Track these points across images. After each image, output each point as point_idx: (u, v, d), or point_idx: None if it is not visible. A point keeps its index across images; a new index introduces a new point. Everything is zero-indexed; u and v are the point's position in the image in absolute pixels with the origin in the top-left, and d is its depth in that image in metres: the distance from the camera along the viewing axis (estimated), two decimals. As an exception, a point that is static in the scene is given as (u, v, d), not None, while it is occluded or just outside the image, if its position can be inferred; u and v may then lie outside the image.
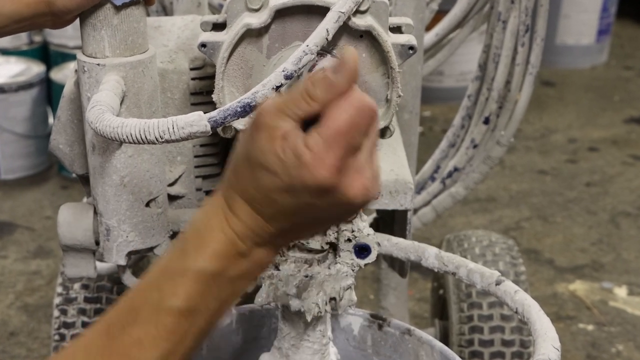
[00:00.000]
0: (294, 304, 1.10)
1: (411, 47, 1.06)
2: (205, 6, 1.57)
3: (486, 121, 1.81)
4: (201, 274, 0.78)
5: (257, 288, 1.24)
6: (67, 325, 1.75)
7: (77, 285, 1.78)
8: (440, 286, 2.04)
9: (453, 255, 1.19)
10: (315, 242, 1.10)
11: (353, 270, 1.12)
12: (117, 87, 1.04)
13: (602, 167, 3.62)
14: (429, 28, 1.87)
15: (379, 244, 1.20)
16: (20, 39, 3.56)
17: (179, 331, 0.78)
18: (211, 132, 0.93)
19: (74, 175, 1.23)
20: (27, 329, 2.55)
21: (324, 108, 0.77)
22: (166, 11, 1.75)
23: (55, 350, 1.76)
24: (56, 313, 1.77)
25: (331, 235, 1.11)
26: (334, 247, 1.13)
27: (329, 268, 1.12)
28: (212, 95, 1.07)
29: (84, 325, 1.75)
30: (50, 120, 3.45)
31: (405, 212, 1.31)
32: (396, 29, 1.09)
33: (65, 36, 3.47)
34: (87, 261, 1.23)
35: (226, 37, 1.05)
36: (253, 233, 0.79)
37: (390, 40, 1.04)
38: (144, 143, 0.92)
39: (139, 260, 1.64)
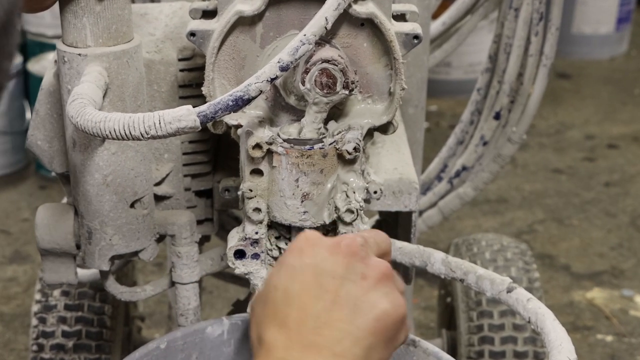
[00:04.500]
0: (290, 312, 1.10)
1: (416, 37, 1.06)
2: (194, -8, 1.58)
3: (497, 116, 1.81)
4: None
5: (250, 296, 1.24)
6: (46, 335, 1.76)
7: (56, 292, 1.78)
8: (447, 294, 2.04)
9: (461, 260, 1.19)
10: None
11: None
12: (100, 79, 1.05)
13: (622, 166, 3.62)
14: (435, 16, 1.87)
15: (381, 248, 1.20)
16: (-6, 28, 3.56)
17: None
18: (201, 128, 0.93)
19: (53, 173, 1.24)
20: (2, 340, 2.55)
21: None
22: (152, -3, 1.76)
23: (32, 363, 1.76)
24: (34, 322, 1.77)
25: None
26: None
27: (328, 274, 1.12)
28: (202, 88, 1.07)
29: (64, 334, 1.75)
30: (28, 114, 3.45)
31: (409, 214, 1.31)
32: (400, 17, 1.09)
33: (43, 25, 3.47)
34: (68, 266, 1.24)
35: (217, 26, 1.05)
36: None
37: (393, 28, 1.05)
38: (128, 139, 0.92)
39: (123, 266, 1.64)
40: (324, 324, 0.78)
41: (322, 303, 0.79)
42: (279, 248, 1.11)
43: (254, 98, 0.95)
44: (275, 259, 1.11)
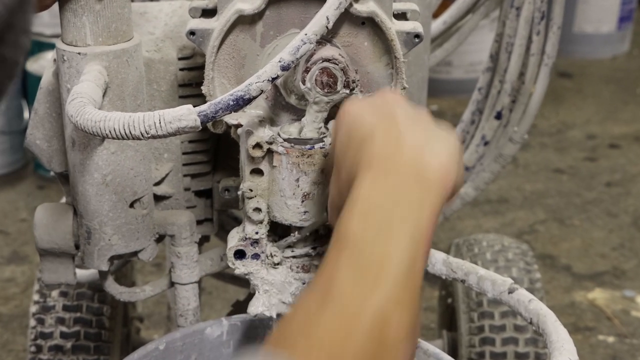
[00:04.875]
0: (290, 313, 1.11)
1: (417, 35, 1.06)
2: (194, -9, 1.58)
3: (498, 116, 1.81)
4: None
5: (250, 296, 1.24)
6: (44, 336, 1.76)
7: (55, 293, 1.78)
8: (448, 294, 2.04)
9: (462, 261, 1.19)
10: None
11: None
12: (100, 78, 1.05)
13: (623, 166, 3.62)
14: (436, 15, 1.87)
15: (382, 249, 1.20)
16: (-8, 26, 3.56)
17: None
18: (201, 127, 0.93)
19: (51, 173, 1.24)
20: (0, 341, 2.55)
21: None
22: (152, -4, 1.76)
23: (31, 364, 1.76)
24: (32, 323, 1.77)
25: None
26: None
27: (328, 274, 1.12)
28: (202, 87, 1.07)
29: (63, 335, 1.75)
30: (26, 114, 3.45)
31: (410, 214, 1.31)
32: (401, 16, 1.09)
33: (41, 24, 3.47)
34: (66, 267, 1.24)
35: (217, 24, 1.05)
36: None
37: (394, 27, 1.05)
38: (128, 139, 0.92)
39: (122, 266, 1.64)
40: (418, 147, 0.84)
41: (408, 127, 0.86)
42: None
43: (254, 97, 0.95)
44: (278, 264, 1.10)
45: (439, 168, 0.83)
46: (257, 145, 1.02)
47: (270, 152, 1.03)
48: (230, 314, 1.50)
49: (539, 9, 1.69)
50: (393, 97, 0.91)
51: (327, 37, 1.03)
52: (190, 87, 1.22)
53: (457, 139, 0.88)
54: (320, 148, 1.02)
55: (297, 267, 1.11)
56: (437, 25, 1.91)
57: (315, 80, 0.99)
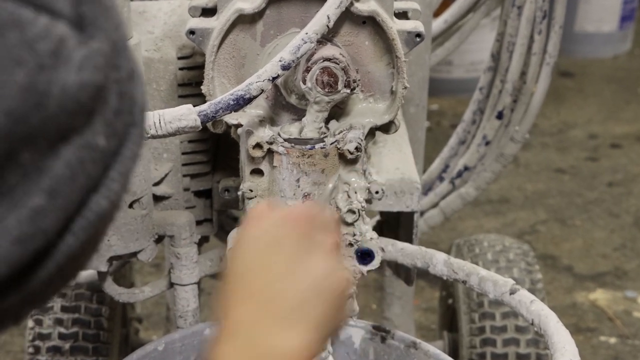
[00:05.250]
0: (291, 314, 1.10)
1: (418, 35, 1.06)
2: (193, -11, 1.58)
3: (499, 116, 1.81)
4: None
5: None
6: (42, 337, 1.75)
7: (53, 294, 1.78)
8: (449, 295, 2.04)
9: (463, 261, 1.19)
10: None
11: (354, 277, 1.12)
12: (98, 78, 1.04)
13: (625, 166, 3.62)
14: (437, 14, 1.87)
15: (382, 249, 1.20)
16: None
17: None
18: (201, 127, 0.93)
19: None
20: (-2, 342, 2.55)
21: None
22: (151, -5, 1.76)
23: (29, 365, 1.76)
24: (30, 324, 1.77)
25: None
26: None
27: (329, 275, 1.12)
28: (202, 87, 1.07)
29: (61, 336, 1.75)
30: (24, 113, 3.45)
31: (411, 214, 1.31)
32: (402, 15, 1.09)
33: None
34: (65, 267, 1.23)
35: (217, 24, 1.05)
36: None
37: (395, 26, 1.05)
38: (127, 139, 0.92)
39: (121, 267, 1.64)
40: (282, 296, 0.81)
41: (276, 268, 0.82)
42: None
43: (255, 97, 0.95)
44: None
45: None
46: (258, 145, 1.02)
47: (270, 152, 1.03)
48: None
49: (540, 8, 1.69)
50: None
51: (327, 37, 1.03)
52: (190, 87, 1.22)
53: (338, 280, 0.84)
54: (321, 148, 1.02)
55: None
56: (438, 24, 1.91)
57: (316, 79, 0.99)
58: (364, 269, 1.12)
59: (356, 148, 1.03)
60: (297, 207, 0.91)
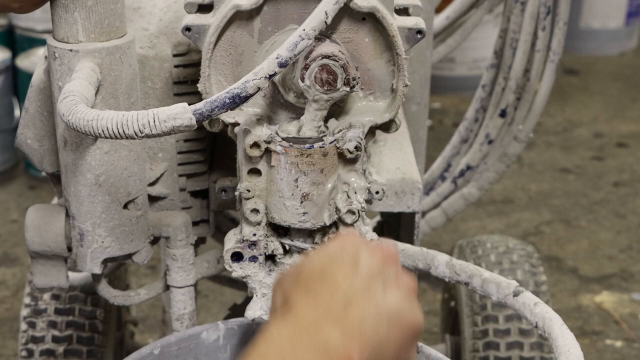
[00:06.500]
0: (289, 317, 1.10)
1: (419, 31, 1.06)
2: (189, -15, 1.58)
3: (502, 114, 1.81)
4: None
5: (247, 300, 1.24)
6: (35, 340, 1.75)
7: (46, 296, 1.78)
8: (451, 297, 2.04)
9: (466, 263, 1.19)
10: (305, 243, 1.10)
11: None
12: (92, 76, 1.05)
13: (631, 165, 3.62)
14: (439, 10, 1.87)
15: (383, 251, 1.20)
16: (-18, 22, 3.56)
17: None
18: (196, 126, 0.93)
19: (43, 173, 1.24)
20: (-10, 345, 2.55)
21: None
22: (146, -9, 1.76)
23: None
24: (23, 326, 1.77)
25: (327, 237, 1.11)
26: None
27: (328, 277, 1.12)
28: (198, 85, 1.07)
29: (55, 339, 1.75)
30: (17, 112, 3.45)
31: (412, 215, 1.31)
32: (403, 11, 1.09)
33: (32, 19, 3.47)
34: (59, 269, 1.23)
35: (213, 20, 1.05)
36: None
37: (396, 23, 1.05)
38: (121, 138, 0.92)
39: (116, 269, 1.64)
40: (353, 305, 0.85)
41: (354, 287, 0.86)
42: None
43: (251, 95, 0.95)
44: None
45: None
46: (255, 145, 1.02)
47: (268, 152, 1.03)
48: (227, 317, 1.50)
49: (544, 4, 1.69)
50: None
51: (326, 33, 1.03)
52: (186, 85, 1.22)
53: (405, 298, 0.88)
54: (320, 147, 1.02)
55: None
56: (440, 20, 1.91)
57: (315, 77, 0.99)
58: (364, 270, 1.12)
59: (356, 147, 1.03)
60: (387, 243, 0.95)
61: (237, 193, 1.07)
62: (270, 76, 0.95)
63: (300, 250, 1.10)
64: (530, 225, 3.19)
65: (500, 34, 1.78)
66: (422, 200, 1.31)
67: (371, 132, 1.09)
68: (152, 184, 1.25)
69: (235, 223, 1.61)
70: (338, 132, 1.05)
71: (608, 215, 3.25)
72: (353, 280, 0.86)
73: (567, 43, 1.93)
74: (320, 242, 1.10)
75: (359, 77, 1.03)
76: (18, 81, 3.42)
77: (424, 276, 1.43)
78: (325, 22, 0.96)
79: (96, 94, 1.05)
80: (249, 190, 1.05)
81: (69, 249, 1.20)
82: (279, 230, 1.10)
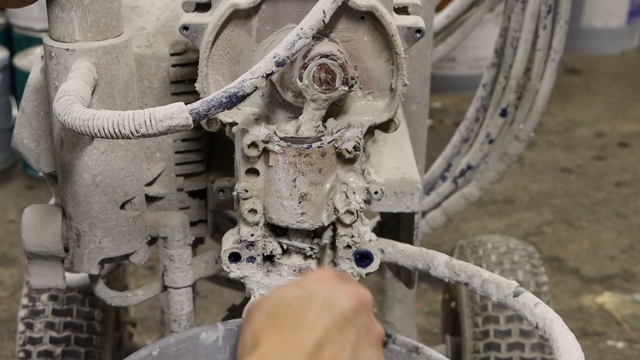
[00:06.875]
0: (287, 318, 1.10)
1: (419, 30, 1.06)
2: (187, -16, 1.57)
3: (503, 113, 1.81)
4: None
5: (246, 300, 1.24)
6: (33, 341, 1.75)
7: (44, 297, 1.78)
8: (451, 298, 2.04)
9: (465, 263, 1.19)
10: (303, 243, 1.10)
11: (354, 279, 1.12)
12: (89, 75, 1.04)
13: (633, 165, 3.62)
14: (439, 9, 1.87)
15: (382, 251, 1.20)
16: (-20, 21, 3.56)
17: None
18: (194, 126, 0.93)
19: (40, 174, 1.23)
20: (-12, 347, 2.55)
21: None
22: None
23: (19, 370, 1.76)
24: (21, 327, 1.77)
25: (324, 238, 1.10)
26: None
27: (327, 278, 1.11)
28: (195, 84, 1.07)
29: (52, 340, 1.75)
30: (15, 111, 3.45)
31: (412, 215, 1.31)
32: (402, 10, 1.09)
33: (30, 18, 3.47)
34: (56, 270, 1.23)
35: (211, 19, 1.05)
36: None
37: (395, 22, 1.04)
38: (118, 138, 0.92)
39: (114, 269, 1.64)
40: (325, 347, 0.86)
41: (328, 328, 0.87)
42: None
43: (248, 95, 0.95)
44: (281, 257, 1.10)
45: None
46: (253, 144, 1.02)
47: (266, 152, 1.03)
48: (226, 318, 1.50)
49: (545, 3, 1.69)
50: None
51: (324, 32, 1.03)
52: (183, 84, 1.22)
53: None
54: (318, 147, 1.02)
55: (294, 271, 1.11)
56: (440, 19, 1.91)
57: (313, 76, 0.99)
58: (363, 271, 1.12)
59: (354, 147, 1.03)
60: (362, 290, 0.96)
61: (234, 193, 1.07)
62: (268, 75, 0.94)
63: (299, 250, 1.10)
64: (531, 226, 3.19)
65: (501, 32, 1.78)
66: (421, 200, 1.30)
67: (370, 131, 1.09)
68: (149, 184, 1.25)
69: (233, 223, 1.61)
70: (336, 132, 1.05)
71: (610, 216, 3.25)
72: (326, 320, 0.87)
73: (568, 42, 1.93)
74: (318, 243, 1.10)
75: (357, 77, 1.02)
76: (16, 80, 3.42)
77: (424, 276, 1.43)
78: (324, 21, 0.96)
79: (93, 93, 1.05)
80: (246, 190, 1.05)
81: (66, 250, 1.20)
82: (277, 231, 1.10)
